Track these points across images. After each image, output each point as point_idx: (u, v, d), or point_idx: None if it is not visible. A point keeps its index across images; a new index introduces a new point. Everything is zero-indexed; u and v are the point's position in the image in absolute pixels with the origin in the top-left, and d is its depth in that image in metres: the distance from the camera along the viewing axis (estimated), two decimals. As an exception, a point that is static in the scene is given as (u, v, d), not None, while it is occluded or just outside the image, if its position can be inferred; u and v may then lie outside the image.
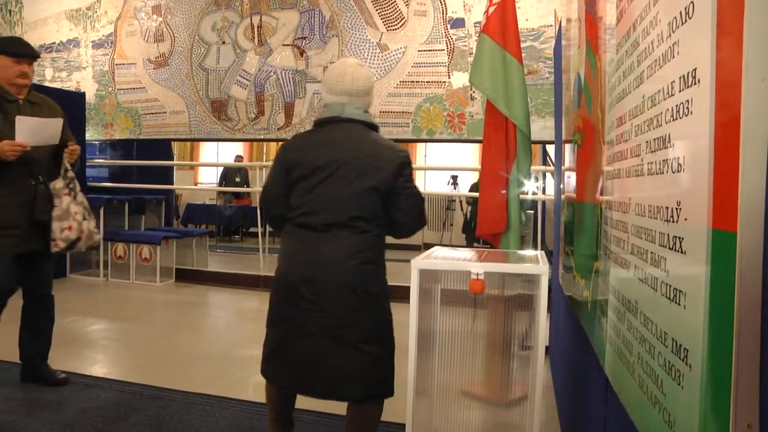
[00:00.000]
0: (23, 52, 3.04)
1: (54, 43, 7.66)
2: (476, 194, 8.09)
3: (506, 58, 3.23)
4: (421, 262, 2.07)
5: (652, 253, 1.01)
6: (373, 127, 2.25)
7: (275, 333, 2.20)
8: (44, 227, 3.04)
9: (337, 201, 2.11)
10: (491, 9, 3.25)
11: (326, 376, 2.10)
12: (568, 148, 2.69)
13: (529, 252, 2.57)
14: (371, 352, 2.10)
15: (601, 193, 1.60)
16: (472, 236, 9.22)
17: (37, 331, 3.27)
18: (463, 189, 9.95)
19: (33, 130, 2.94)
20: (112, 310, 5.52)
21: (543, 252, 2.43)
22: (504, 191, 3.31)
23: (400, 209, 2.16)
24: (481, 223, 3.41)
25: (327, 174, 2.12)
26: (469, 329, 2.52)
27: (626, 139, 1.25)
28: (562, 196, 2.93)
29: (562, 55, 3.40)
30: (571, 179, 2.40)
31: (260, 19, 6.61)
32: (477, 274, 1.96)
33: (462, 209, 9.80)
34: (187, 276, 6.76)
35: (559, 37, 3.68)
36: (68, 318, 4.73)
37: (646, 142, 1.07)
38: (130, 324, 4.89)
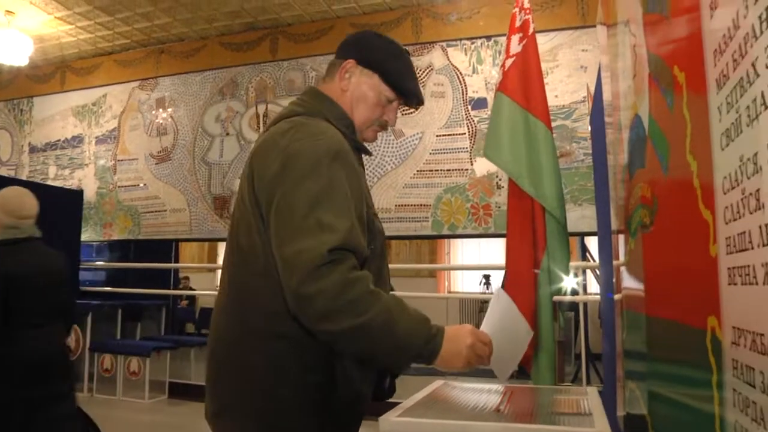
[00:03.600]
0: (412, 91, 1.48)
1: (59, 140, 7.28)
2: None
3: (530, 122, 2.46)
4: (395, 419, 1.26)
5: None
6: None
7: None
8: None
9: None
10: (508, 62, 2.51)
11: None
12: (622, 238, 1.93)
13: (571, 388, 1.74)
14: None
15: (712, 311, 0.82)
16: None
17: None
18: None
19: (507, 324, 1.48)
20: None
21: (595, 390, 1.61)
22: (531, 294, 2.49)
23: None
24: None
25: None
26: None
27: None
28: (616, 298, 2.13)
29: (607, 140, 2.70)
30: (633, 281, 1.61)
31: (266, 108, 6.12)
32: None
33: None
34: (181, 392, 5.91)
35: (596, 113, 2.99)
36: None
37: None
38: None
